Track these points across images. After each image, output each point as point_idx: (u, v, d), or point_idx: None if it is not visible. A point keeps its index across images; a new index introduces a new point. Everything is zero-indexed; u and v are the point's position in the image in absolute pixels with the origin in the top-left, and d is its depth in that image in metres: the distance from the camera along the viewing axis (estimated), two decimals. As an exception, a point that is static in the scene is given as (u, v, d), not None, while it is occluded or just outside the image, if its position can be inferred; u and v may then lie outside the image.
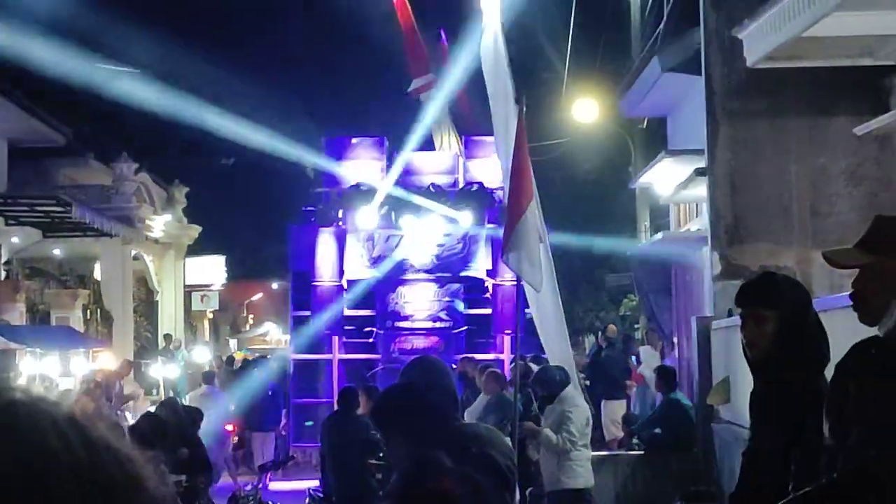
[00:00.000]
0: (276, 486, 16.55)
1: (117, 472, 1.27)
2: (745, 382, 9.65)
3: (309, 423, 20.24)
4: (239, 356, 28.66)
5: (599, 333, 21.77)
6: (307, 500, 12.50)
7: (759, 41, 11.81)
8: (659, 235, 18.98)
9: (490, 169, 20.43)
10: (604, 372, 19.13)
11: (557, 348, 11.89)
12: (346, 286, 21.06)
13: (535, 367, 13.11)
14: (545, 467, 10.96)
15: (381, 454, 11.32)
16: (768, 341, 4.76)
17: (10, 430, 1.23)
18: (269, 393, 20.23)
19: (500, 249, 13.73)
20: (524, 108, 10.25)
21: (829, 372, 4.73)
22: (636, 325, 26.12)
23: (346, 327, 21.13)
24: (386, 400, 5.31)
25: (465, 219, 20.57)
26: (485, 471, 5.47)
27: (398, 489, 3.26)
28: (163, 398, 19.79)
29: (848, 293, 4.14)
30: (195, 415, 13.73)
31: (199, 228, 33.96)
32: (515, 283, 10.41)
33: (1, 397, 1.28)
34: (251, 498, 11.20)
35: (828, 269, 13.14)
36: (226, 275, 40.88)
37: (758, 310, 4.82)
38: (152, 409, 14.64)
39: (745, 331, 4.87)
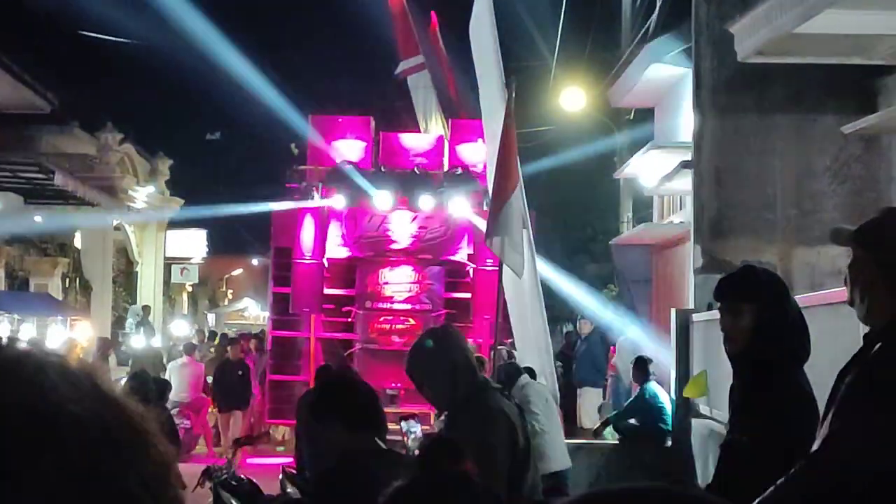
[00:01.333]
0: (251, 461, 16.55)
1: (125, 426, 1.26)
2: (722, 376, 9.67)
3: None
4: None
5: (578, 321, 21.73)
6: (281, 477, 12.49)
7: (749, 35, 11.82)
8: (641, 226, 19.01)
9: (476, 153, 20.39)
10: (583, 360, 19.14)
11: (532, 334, 11.89)
12: (326, 265, 21.02)
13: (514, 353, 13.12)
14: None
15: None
16: (745, 335, 4.79)
17: (18, 380, 1.22)
18: (240, 372, 20.22)
19: (482, 234, 13.72)
20: (513, 94, 10.24)
21: (809, 367, 4.76)
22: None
23: (325, 306, 21.09)
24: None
25: (449, 202, 20.53)
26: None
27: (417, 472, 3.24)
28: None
29: (827, 291, 4.15)
30: (163, 386, 13.77)
31: (182, 201, 33.90)
32: (497, 268, 10.40)
33: (9, 349, 1.27)
34: (224, 472, 11.17)
35: (809, 266, 13.23)
36: (206, 249, 40.84)
37: (735, 303, 4.86)
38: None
39: (723, 324, 4.91)
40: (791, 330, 4.77)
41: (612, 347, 20.17)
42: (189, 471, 12.20)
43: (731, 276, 5.10)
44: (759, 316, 4.76)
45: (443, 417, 6.73)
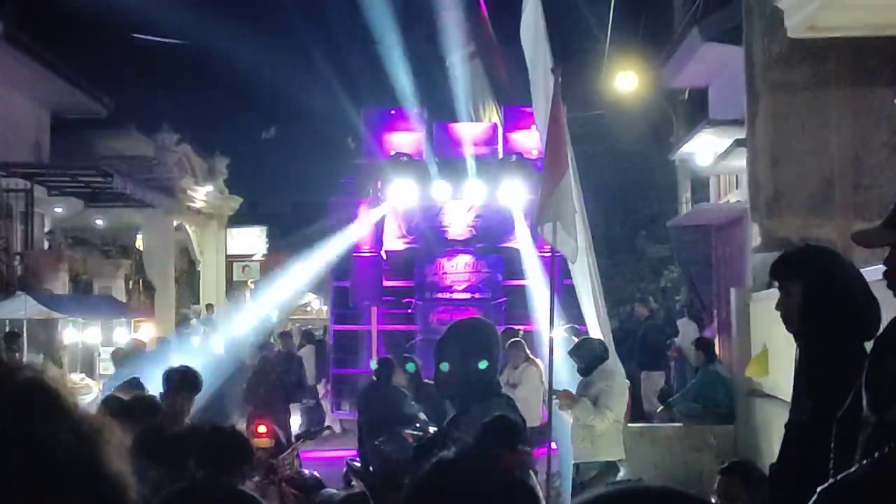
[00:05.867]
0: (313, 455, 16.66)
1: (69, 450, 1.26)
2: (783, 355, 9.59)
3: None
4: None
5: (635, 305, 21.66)
6: (345, 470, 12.56)
7: (799, 10, 11.66)
8: (697, 207, 18.88)
9: (530, 139, 20.35)
10: (644, 343, 19.06)
11: (594, 319, 11.84)
12: (384, 257, 21.07)
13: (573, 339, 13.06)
14: (577, 439, 10.94)
15: (416, 424, 11.35)
16: (797, 313, 4.77)
17: None
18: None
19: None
20: (560, 79, 10.19)
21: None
22: (677, 297, 26.01)
23: (385, 298, 21.15)
24: None
25: (505, 189, 20.49)
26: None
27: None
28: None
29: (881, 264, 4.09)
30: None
31: (241, 199, 34.13)
32: (551, 254, 10.37)
33: None
34: (288, 466, 11.25)
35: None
36: (267, 245, 41.06)
37: (785, 282, 4.86)
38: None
39: (778, 304, 4.91)
40: (844, 305, 4.71)
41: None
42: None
43: (781, 255, 5.09)
44: (807, 293, 4.74)
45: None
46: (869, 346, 4.55)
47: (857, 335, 4.67)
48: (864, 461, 3.54)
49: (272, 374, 17.22)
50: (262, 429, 13.84)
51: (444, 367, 5.88)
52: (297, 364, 20.38)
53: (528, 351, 13.97)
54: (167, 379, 8.11)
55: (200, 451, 6.06)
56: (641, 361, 18.75)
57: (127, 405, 7.69)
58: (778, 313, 5.04)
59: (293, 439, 13.37)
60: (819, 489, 3.51)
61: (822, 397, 4.60)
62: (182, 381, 7.95)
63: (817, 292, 4.74)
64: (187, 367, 8.22)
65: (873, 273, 7.73)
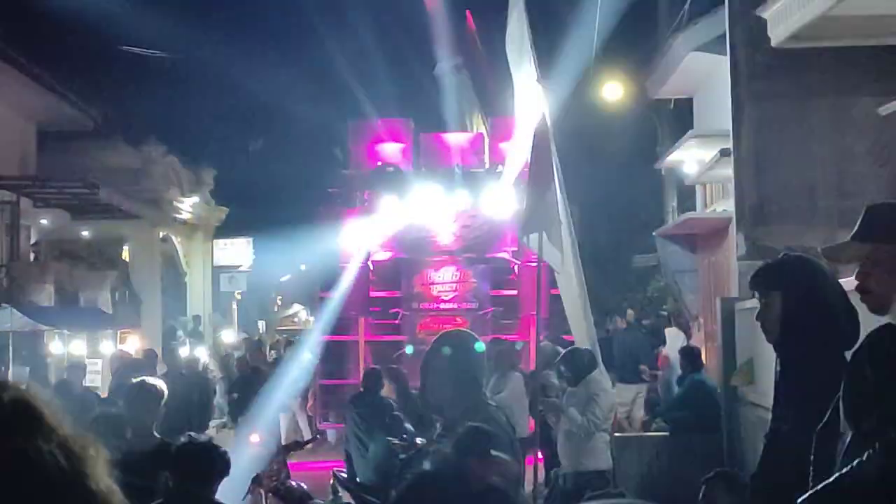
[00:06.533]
0: (300, 465, 16.66)
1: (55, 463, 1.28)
2: (768, 364, 9.61)
3: None
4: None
5: (618, 317, 21.64)
6: (332, 481, 12.54)
7: (783, 20, 11.73)
8: (684, 216, 18.90)
9: (517, 149, 20.37)
10: (619, 356, 18.92)
11: (581, 329, 11.86)
12: (371, 267, 21.06)
13: (559, 349, 13.08)
14: (565, 449, 10.94)
15: (403, 435, 11.34)
16: (777, 323, 4.79)
17: None
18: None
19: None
20: (545, 90, 10.23)
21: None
22: (664, 307, 26.01)
23: (372, 309, 21.13)
24: None
25: (491, 200, 20.50)
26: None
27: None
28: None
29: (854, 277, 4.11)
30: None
31: (227, 210, 34.08)
32: (537, 264, 10.38)
33: None
34: (275, 479, 11.23)
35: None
36: (253, 256, 40.97)
37: (765, 293, 4.88)
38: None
39: (759, 314, 4.93)
40: (823, 316, 4.73)
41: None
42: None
43: (761, 266, 5.11)
44: (788, 304, 4.76)
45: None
46: (848, 356, 4.59)
47: (837, 345, 4.69)
48: (842, 471, 3.57)
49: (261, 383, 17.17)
50: (253, 438, 13.85)
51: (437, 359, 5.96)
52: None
53: (511, 360, 13.98)
54: (128, 392, 8.06)
55: (175, 462, 6.04)
56: (614, 374, 18.65)
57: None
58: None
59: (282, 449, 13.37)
60: (799, 499, 3.54)
61: (801, 407, 4.62)
62: (142, 392, 7.87)
63: (796, 303, 4.76)
64: (144, 380, 8.16)
65: (851, 283, 7.76)
